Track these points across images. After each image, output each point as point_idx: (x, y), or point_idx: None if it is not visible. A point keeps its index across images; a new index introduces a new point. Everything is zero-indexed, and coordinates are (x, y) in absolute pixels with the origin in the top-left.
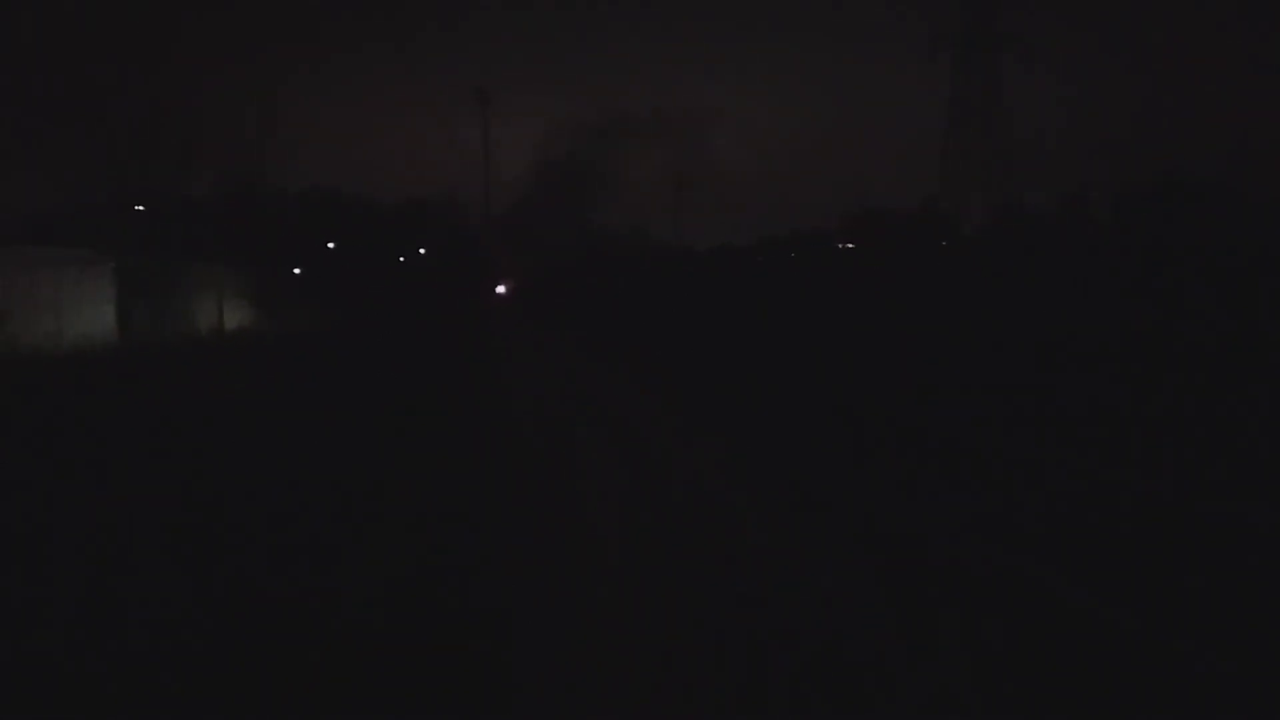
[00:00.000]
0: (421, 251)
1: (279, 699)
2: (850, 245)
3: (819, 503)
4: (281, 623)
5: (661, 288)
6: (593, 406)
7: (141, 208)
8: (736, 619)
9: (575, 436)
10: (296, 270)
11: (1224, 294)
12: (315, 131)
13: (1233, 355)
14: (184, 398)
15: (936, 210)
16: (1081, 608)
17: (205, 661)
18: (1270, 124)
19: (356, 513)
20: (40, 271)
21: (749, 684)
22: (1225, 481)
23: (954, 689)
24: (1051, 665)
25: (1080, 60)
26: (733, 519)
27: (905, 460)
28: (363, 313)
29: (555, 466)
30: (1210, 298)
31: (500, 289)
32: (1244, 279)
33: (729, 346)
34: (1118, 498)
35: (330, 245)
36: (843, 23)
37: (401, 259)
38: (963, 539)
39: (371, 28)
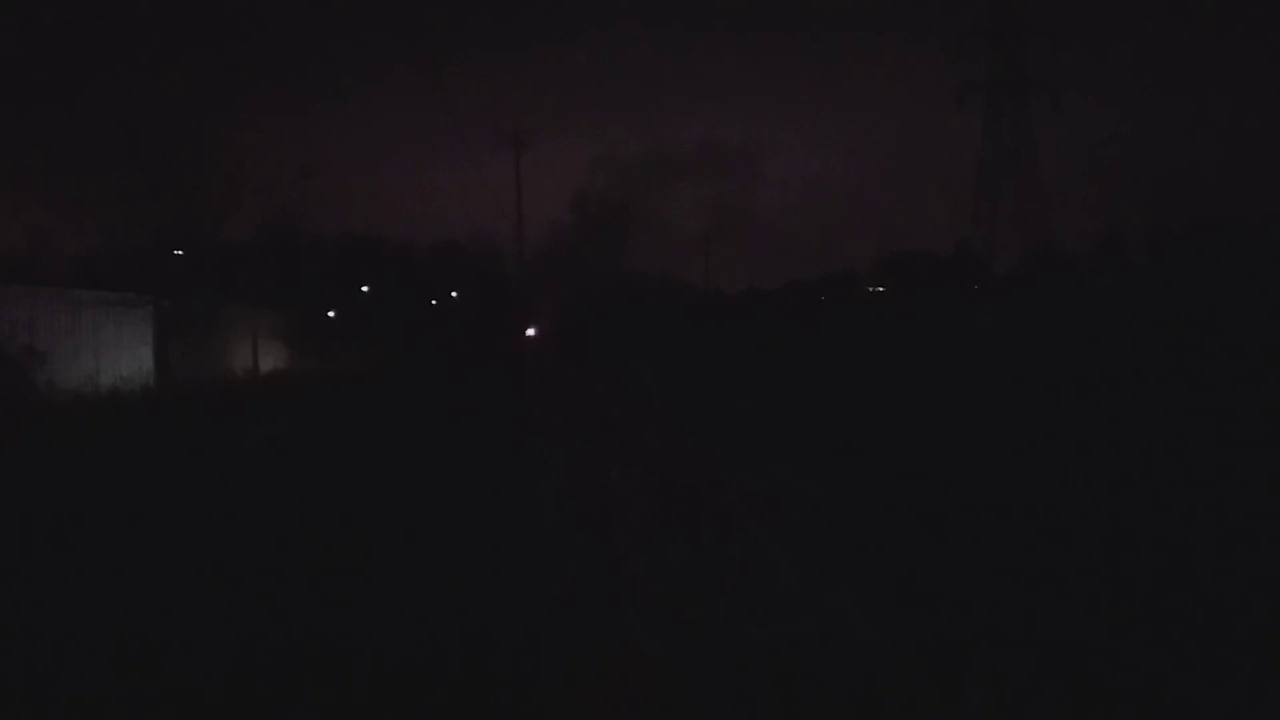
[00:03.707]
0: (454, 294)
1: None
2: (881, 289)
3: (848, 545)
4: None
5: (690, 332)
6: (619, 442)
7: (180, 251)
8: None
9: (605, 478)
10: (331, 313)
11: (1264, 338)
12: (354, 174)
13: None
14: (224, 439)
15: (969, 253)
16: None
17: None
18: None
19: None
20: (80, 312)
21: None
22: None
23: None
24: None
25: (1111, 103)
26: (763, 566)
27: (934, 521)
28: (396, 355)
29: (587, 508)
30: (1251, 341)
31: (531, 331)
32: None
33: (755, 392)
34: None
35: (365, 288)
36: (876, 65)
37: (434, 302)
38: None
39: (411, 69)
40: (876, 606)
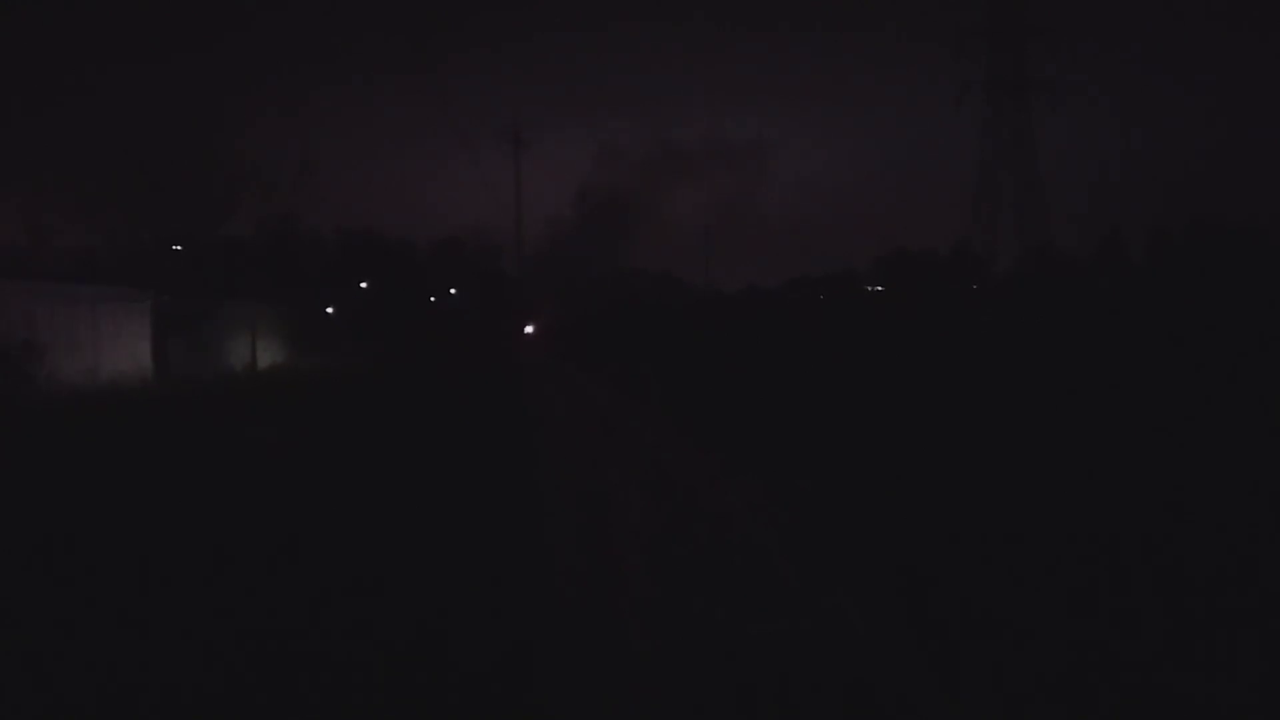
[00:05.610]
0: (453, 291)
1: None
2: (880, 288)
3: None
4: None
5: (690, 331)
6: (618, 442)
7: (180, 247)
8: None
9: (604, 478)
10: (330, 309)
11: (1263, 337)
12: (354, 170)
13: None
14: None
15: (969, 252)
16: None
17: None
18: None
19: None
20: (79, 308)
21: None
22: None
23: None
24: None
25: (1111, 103)
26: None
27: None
28: (394, 351)
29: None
30: (1250, 341)
31: (530, 329)
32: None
33: (755, 391)
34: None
35: (364, 285)
36: (877, 65)
37: (433, 299)
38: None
39: (412, 64)
40: (875, 606)
